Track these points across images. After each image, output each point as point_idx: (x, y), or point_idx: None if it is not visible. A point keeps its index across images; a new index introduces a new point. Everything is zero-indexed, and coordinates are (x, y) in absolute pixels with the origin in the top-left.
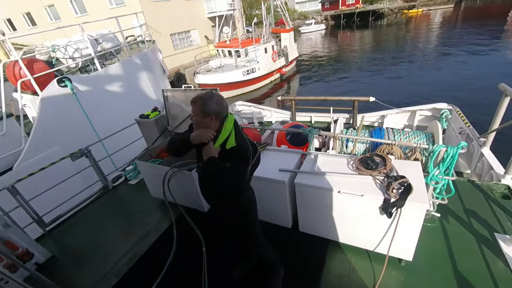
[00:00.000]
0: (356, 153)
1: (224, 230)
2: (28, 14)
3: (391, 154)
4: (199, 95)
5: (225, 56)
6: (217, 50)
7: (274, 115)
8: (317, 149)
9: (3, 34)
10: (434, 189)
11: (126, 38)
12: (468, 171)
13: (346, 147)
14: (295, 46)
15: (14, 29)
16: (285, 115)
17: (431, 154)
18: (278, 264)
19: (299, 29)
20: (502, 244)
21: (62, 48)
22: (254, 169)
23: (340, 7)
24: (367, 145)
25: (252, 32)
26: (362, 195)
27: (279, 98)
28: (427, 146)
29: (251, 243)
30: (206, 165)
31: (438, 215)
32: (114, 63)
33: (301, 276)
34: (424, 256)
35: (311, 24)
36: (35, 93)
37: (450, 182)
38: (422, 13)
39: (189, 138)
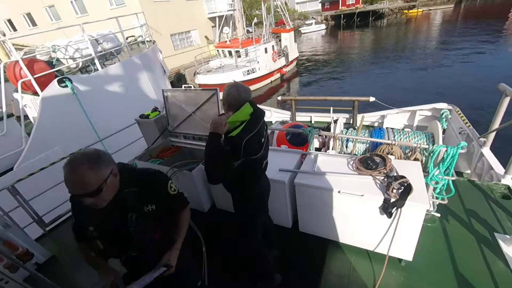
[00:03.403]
0: (356, 153)
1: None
2: (29, 14)
3: (391, 154)
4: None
5: (225, 56)
6: (217, 51)
7: (274, 115)
8: (317, 149)
9: (4, 35)
10: (434, 189)
11: (127, 38)
12: (468, 171)
13: (346, 147)
14: (295, 46)
15: (15, 29)
16: (285, 115)
17: (431, 154)
18: (273, 272)
19: (299, 29)
20: (502, 244)
21: (62, 48)
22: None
23: (340, 7)
24: (367, 145)
25: (252, 32)
26: (362, 195)
27: (279, 98)
28: (427, 146)
29: (250, 234)
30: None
31: (438, 215)
32: (115, 63)
33: (301, 276)
34: (424, 256)
35: (311, 24)
36: (35, 93)
37: (450, 182)
38: (422, 13)
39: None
